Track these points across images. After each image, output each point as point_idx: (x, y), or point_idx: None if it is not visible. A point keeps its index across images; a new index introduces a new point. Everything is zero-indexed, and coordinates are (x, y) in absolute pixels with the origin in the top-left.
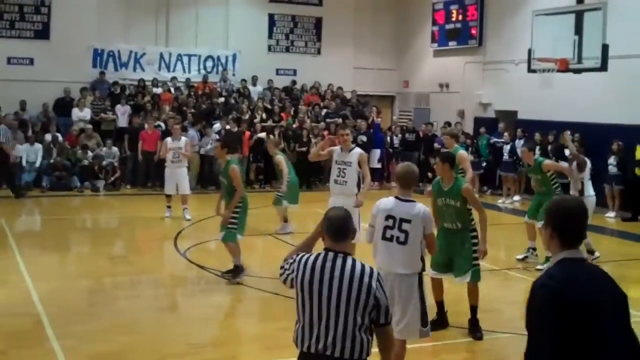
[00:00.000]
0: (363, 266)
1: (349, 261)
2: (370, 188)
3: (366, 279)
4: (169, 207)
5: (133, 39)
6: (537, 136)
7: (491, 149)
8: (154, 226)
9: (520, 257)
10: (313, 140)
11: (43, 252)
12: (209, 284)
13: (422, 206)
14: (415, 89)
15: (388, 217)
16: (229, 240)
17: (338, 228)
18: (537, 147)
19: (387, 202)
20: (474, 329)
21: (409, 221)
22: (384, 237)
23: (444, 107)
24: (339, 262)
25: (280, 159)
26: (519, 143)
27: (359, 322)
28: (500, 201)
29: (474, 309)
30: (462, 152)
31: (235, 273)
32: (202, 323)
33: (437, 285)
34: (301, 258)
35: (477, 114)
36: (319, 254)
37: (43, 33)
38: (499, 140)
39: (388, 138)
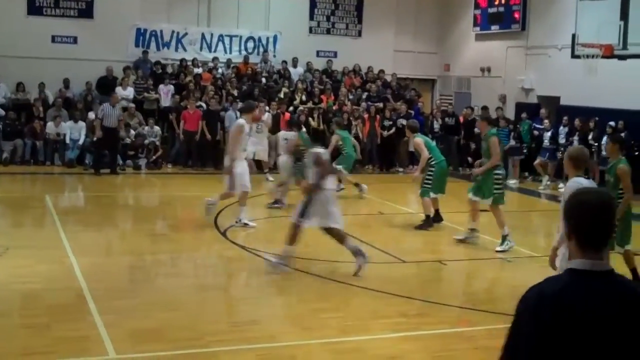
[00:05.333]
0: None
1: None
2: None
3: None
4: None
5: (175, 19)
6: (577, 122)
7: (532, 135)
8: (195, 205)
9: None
10: (354, 123)
11: (86, 228)
12: (247, 263)
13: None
14: (456, 72)
15: None
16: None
17: None
18: (577, 134)
19: (584, 181)
20: None
21: None
22: None
23: (485, 92)
24: None
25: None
26: (563, 130)
27: None
28: (541, 187)
29: (633, 271)
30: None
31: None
32: (241, 302)
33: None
34: None
35: (519, 99)
36: None
37: (87, 12)
38: (539, 126)
39: (428, 122)
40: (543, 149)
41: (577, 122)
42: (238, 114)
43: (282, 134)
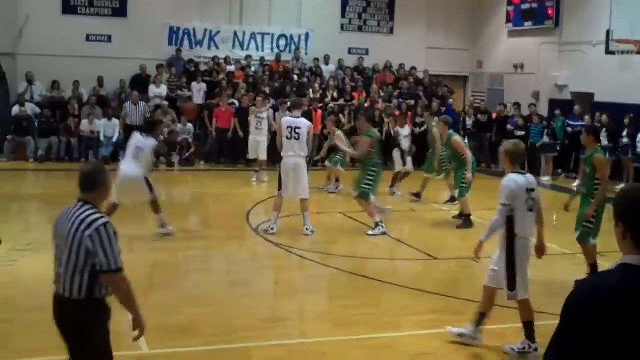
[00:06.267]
0: (90, 215)
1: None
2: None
3: (84, 226)
4: (256, 171)
5: (208, 18)
6: (605, 118)
7: (566, 132)
8: (227, 202)
9: None
10: (385, 120)
11: (119, 224)
12: (279, 260)
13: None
14: (489, 69)
15: (527, 190)
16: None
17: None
18: (604, 130)
19: (519, 178)
20: None
21: (534, 190)
22: (528, 209)
23: (519, 89)
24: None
25: (340, 134)
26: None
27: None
28: (575, 184)
29: (590, 266)
30: (456, 138)
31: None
32: (272, 299)
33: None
34: None
35: (553, 96)
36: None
37: (121, 11)
38: (572, 123)
39: (461, 119)
40: (583, 146)
41: (604, 118)
42: (271, 111)
43: (402, 131)
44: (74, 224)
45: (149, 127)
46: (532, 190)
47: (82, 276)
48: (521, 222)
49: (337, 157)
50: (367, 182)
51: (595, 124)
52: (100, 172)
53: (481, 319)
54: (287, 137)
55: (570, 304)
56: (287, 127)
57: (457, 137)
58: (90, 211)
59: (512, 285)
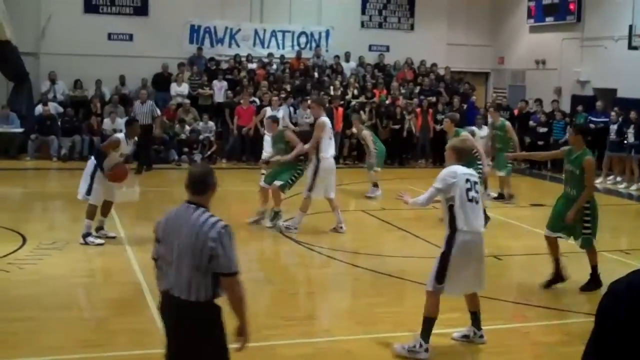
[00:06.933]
0: (209, 217)
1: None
2: None
3: (206, 228)
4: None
5: (228, 16)
6: (633, 115)
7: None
8: (250, 200)
9: None
10: (407, 117)
11: (143, 222)
12: (302, 258)
13: None
14: (510, 65)
15: (467, 180)
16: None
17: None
18: (632, 126)
19: (461, 168)
20: (586, 285)
21: (477, 183)
22: (469, 200)
23: (540, 85)
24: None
25: (367, 133)
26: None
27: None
28: (598, 181)
29: (592, 268)
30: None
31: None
32: (296, 297)
33: (554, 243)
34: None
35: (575, 92)
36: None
37: (142, 9)
38: (600, 120)
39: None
40: (610, 143)
41: (632, 114)
42: (292, 109)
43: (479, 131)
44: (193, 227)
45: (125, 125)
46: (475, 182)
47: (205, 278)
48: (462, 214)
49: (370, 160)
50: (292, 178)
51: (620, 120)
52: (210, 174)
53: (475, 318)
54: (329, 138)
55: (606, 304)
56: (330, 128)
57: (465, 133)
58: (207, 213)
59: (440, 277)
